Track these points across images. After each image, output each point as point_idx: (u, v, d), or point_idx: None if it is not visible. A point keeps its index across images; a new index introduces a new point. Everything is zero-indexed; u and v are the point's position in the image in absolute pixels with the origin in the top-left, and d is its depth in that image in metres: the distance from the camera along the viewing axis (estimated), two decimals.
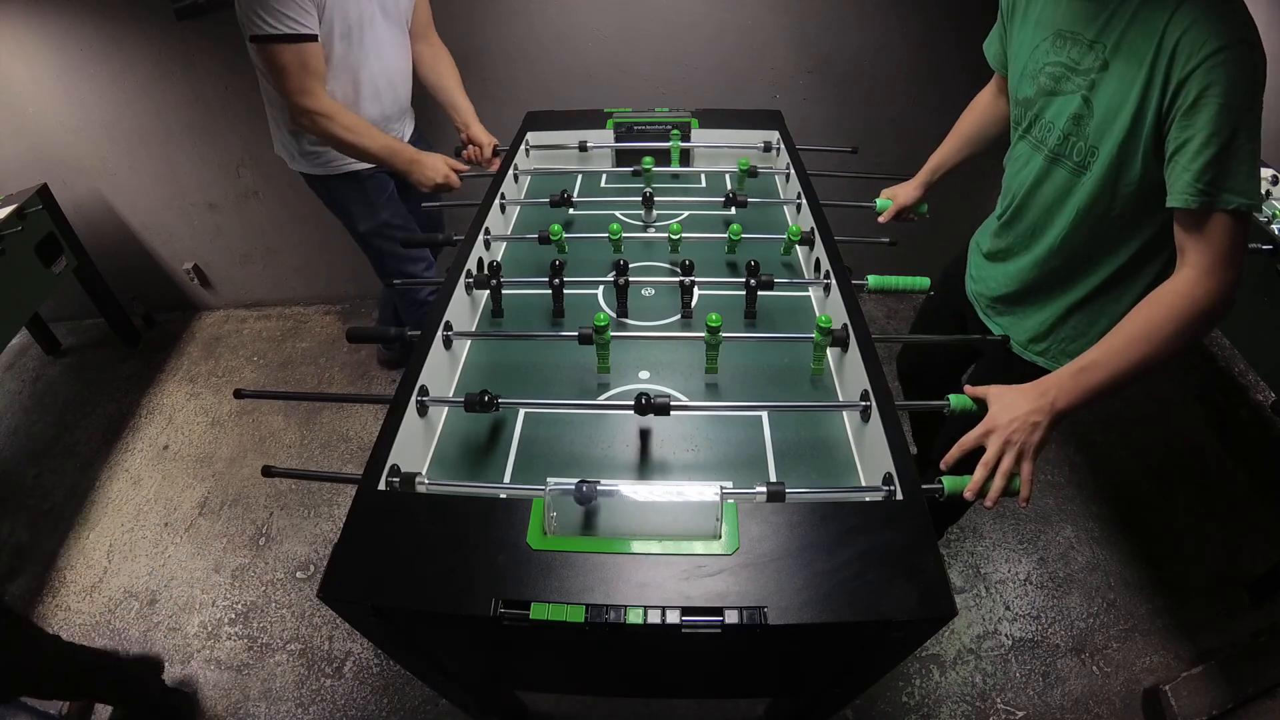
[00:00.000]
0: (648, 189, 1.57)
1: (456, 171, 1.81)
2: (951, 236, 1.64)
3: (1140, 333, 0.92)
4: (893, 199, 1.59)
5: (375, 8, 1.72)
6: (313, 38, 1.57)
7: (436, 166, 1.77)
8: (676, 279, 1.30)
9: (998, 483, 0.91)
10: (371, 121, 1.78)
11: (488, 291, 1.34)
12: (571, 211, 1.63)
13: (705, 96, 2.32)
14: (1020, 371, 1.23)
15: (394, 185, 1.99)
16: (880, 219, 1.60)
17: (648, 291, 1.40)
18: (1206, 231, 0.88)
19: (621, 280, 1.30)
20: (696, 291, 1.38)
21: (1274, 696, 1.56)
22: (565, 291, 1.34)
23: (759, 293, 1.29)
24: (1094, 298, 1.18)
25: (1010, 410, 0.92)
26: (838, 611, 0.74)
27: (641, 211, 1.59)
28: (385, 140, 1.74)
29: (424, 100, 2.04)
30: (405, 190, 2.21)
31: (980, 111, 1.46)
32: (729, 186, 1.75)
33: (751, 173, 1.66)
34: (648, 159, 1.68)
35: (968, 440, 0.95)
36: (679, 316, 1.32)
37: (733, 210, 1.58)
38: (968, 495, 0.90)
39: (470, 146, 1.96)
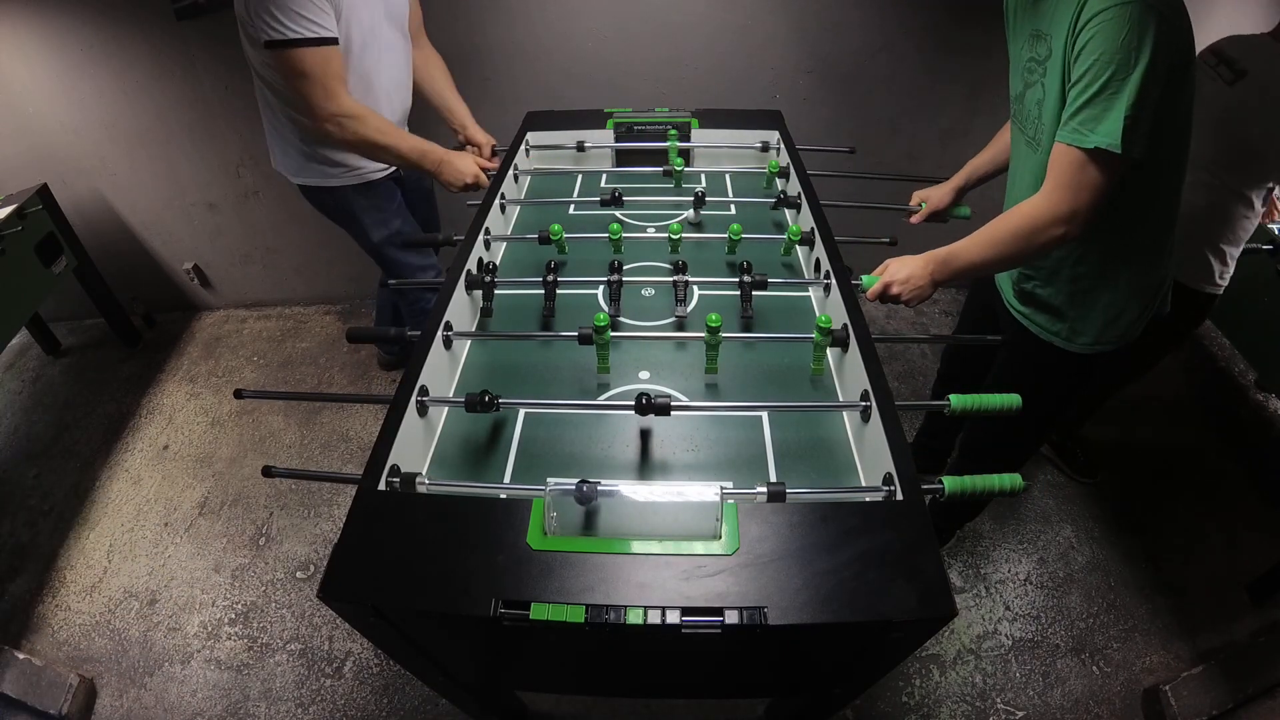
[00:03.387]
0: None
1: (484, 170, 1.75)
2: (953, 235, 1.63)
3: (992, 236, 1.13)
4: (925, 201, 1.61)
5: (381, 14, 1.68)
6: (334, 40, 1.50)
7: (466, 166, 1.71)
8: (670, 279, 1.30)
9: (876, 287, 1.19)
10: None
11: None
12: (572, 211, 1.63)
13: (705, 96, 2.32)
14: (1047, 359, 1.32)
15: (400, 192, 1.97)
16: (912, 220, 1.63)
17: (648, 292, 1.40)
18: (1064, 162, 1.02)
19: (615, 280, 1.30)
20: (697, 291, 1.38)
21: (1274, 696, 1.56)
22: (566, 292, 1.34)
23: (754, 292, 1.29)
24: (1087, 274, 1.23)
25: (904, 268, 1.17)
26: (838, 612, 0.74)
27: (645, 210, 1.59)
28: (415, 140, 1.69)
29: (416, 105, 2.02)
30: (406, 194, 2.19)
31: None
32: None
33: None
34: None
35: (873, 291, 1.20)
36: (675, 317, 1.32)
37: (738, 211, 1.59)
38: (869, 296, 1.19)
39: (468, 148, 1.96)
